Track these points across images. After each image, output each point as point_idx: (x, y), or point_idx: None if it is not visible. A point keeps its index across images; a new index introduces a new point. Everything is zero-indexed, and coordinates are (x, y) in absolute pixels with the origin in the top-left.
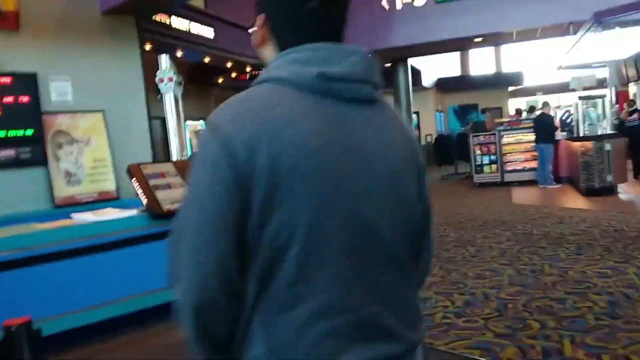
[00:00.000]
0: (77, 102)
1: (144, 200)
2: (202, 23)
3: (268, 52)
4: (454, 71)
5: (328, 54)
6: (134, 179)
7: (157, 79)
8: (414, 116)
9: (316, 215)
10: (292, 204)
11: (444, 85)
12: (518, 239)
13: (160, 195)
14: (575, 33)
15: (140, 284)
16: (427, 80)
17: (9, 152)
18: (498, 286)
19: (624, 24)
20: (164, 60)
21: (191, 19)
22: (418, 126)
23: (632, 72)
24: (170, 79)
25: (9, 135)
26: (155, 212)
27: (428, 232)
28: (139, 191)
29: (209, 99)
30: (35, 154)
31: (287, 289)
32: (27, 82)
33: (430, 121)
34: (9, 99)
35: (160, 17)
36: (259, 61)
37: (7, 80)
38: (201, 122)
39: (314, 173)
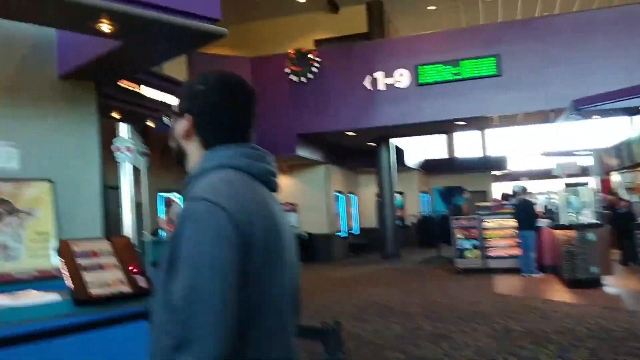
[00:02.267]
0: (23, 169)
1: (68, 282)
2: (175, 94)
3: (191, 145)
4: (441, 153)
5: (260, 153)
6: (61, 257)
7: (112, 146)
8: (398, 196)
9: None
10: (279, 265)
11: (430, 167)
12: (497, 336)
13: (88, 277)
14: (557, 120)
15: None
16: (413, 160)
17: None
18: None
19: (604, 113)
20: (123, 129)
21: (163, 89)
22: (402, 206)
23: (613, 162)
24: (129, 149)
25: None
26: (79, 296)
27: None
28: (64, 271)
29: (183, 172)
30: None
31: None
32: None
33: (414, 202)
34: None
35: (130, 86)
36: None
37: None
38: (175, 194)
39: (278, 244)
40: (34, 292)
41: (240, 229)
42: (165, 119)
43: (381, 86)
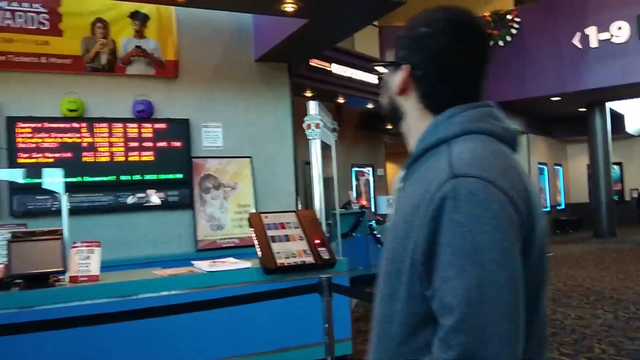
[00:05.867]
0: (226, 147)
1: (259, 252)
2: (364, 70)
3: (407, 102)
4: None
5: (500, 113)
6: (253, 228)
7: (304, 125)
8: (616, 167)
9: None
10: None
11: None
12: None
13: (275, 247)
14: None
15: (236, 346)
16: (634, 126)
17: (158, 195)
18: None
19: None
20: (312, 106)
21: (353, 66)
22: (621, 179)
23: None
24: (317, 126)
25: (159, 178)
26: (267, 265)
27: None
28: (255, 242)
29: (379, 146)
30: (183, 197)
31: None
32: (180, 128)
33: (636, 174)
34: (162, 144)
35: (321, 65)
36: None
37: (162, 125)
38: (368, 169)
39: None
40: (231, 259)
41: (520, 215)
42: (378, 69)
43: (593, 43)
